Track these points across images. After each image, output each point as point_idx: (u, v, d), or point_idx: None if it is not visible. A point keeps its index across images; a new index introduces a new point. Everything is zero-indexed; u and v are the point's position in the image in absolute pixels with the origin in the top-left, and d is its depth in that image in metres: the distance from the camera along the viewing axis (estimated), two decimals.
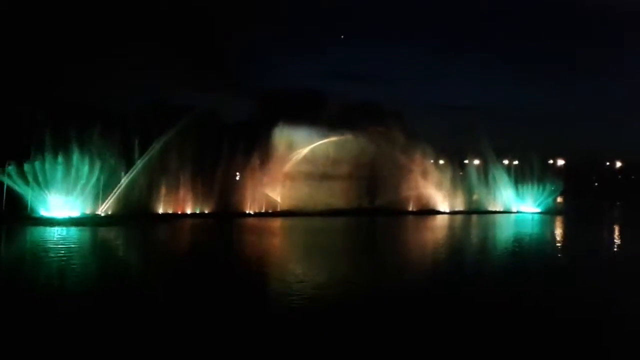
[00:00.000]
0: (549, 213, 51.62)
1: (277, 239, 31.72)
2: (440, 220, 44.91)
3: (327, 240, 29.94)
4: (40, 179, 33.92)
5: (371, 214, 45.38)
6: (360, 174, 50.21)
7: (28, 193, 33.73)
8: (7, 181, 33.04)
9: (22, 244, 25.22)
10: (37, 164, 33.70)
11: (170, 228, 33.64)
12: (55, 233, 27.23)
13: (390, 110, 58.17)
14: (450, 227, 41.03)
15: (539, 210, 53.19)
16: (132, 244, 27.14)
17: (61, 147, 34.63)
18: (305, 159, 48.44)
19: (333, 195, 46.92)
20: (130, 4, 59.79)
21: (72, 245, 23.80)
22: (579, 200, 54.03)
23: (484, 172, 54.49)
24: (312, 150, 48.89)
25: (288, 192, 46.09)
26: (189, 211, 40.15)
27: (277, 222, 38.89)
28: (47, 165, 34.08)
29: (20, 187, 33.46)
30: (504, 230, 39.25)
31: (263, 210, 43.25)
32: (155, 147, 38.99)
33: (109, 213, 35.97)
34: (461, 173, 54.23)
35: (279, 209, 44.07)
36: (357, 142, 48.80)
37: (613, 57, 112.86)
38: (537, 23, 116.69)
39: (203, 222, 37.23)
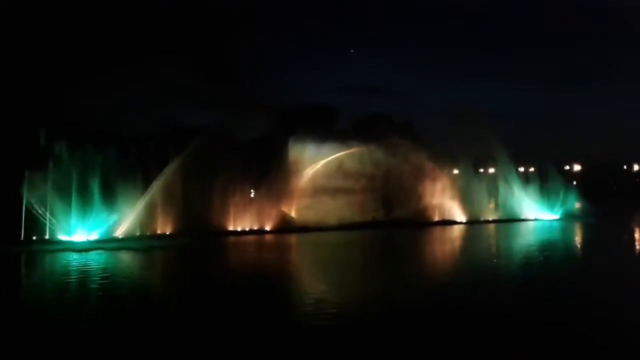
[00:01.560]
0: (568, 219, 50.85)
1: (304, 255, 31.44)
2: (458, 231, 44.35)
3: (353, 255, 29.83)
4: (58, 203, 34.29)
5: (387, 227, 44.99)
6: (374, 187, 50.04)
7: (46, 218, 34.06)
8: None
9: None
10: (52, 188, 34.09)
11: (197, 249, 33.21)
12: (88, 258, 27.09)
13: (401, 121, 58.19)
14: (471, 237, 40.37)
15: (557, 216, 52.47)
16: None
17: (77, 171, 35.02)
18: (319, 173, 48.44)
19: (348, 209, 46.76)
20: (141, 24, 60.40)
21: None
22: (598, 205, 53.02)
23: (500, 180, 53.90)
24: (325, 165, 48.88)
25: (302, 208, 46.04)
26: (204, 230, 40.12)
27: (295, 238, 38.60)
28: (63, 189, 34.46)
29: (38, 212, 33.77)
30: (527, 239, 38.28)
31: (278, 227, 43.02)
32: (169, 169, 39.16)
33: (123, 237, 35.99)
34: (476, 181, 53.60)
35: (294, 225, 43.87)
36: (370, 155, 48.68)
37: (629, 60, 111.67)
38: (551, 28, 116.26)
39: (224, 241, 36.93)
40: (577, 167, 73.73)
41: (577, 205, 54.71)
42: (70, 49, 51.41)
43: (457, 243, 37.51)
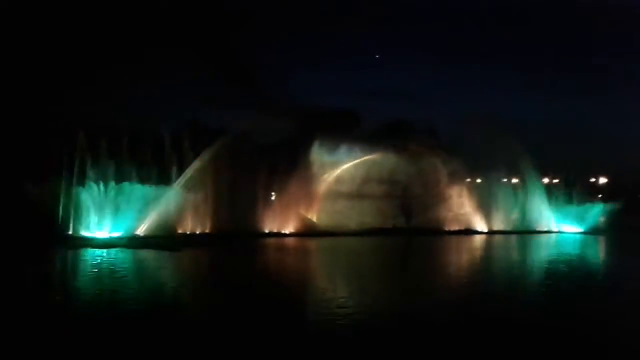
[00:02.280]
0: (592, 233, 49.79)
1: (328, 259, 31.30)
2: (479, 241, 43.72)
3: (375, 261, 29.69)
4: (81, 199, 34.73)
5: (408, 234, 44.59)
6: (395, 193, 49.79)
7: (69, 214, 34.54)
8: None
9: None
10: (77, 186, 34.59)
11: (222, 250, 33.17)
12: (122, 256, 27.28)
13: (425, 128, 57.82)
14: (492, 247, 39.89)
15: (581, 230, 51.42)
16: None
17: (99, 168, 35.47)
18: (340, 178, 48.28)
19: (368, 215, 46.51)
20: (163, 25, 61.10)
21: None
22: (624, 219, 51.83)
23: (523, 191, 53.07)
24: (346, 169, 48.70)
25: (323, 212, 45.92)
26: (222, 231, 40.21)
27: (316, 242, 38.35)
28: (87, 187, 34.92)
29: (61, 208, 34.28)
30: (550, 252, 37.57)
31: (298, 231, 42.90)
32: (191, 169, 39.36)
33: (147, 234, 36.28)
34: (499, 191, 52.80)
35: (315, 229, 43.72)
36: (392, 161, 48.32)
37: None
38: (574, 37, 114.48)
39: (244, 243, 36.91)
40: (603, 180, 72.29)
41: (602, 218, 53.53)
42: (89, 47, 52.20)
43: (479, 253, 36.97)
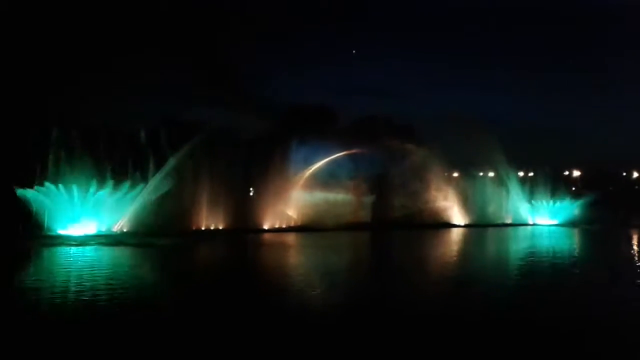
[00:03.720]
0: (566, 225, 50.85)
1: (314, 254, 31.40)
2: (457, 234, 44.32)
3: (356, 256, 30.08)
4: (57, 198, 34.41)
5: (385, 229, 44.94)
6: (373, 188, 50.16)
7: (44, 212, 34.18)
8: (32, 196, 33.39)
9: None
10: (50, 184, 34.23)
11: (199, 244, 33.31)
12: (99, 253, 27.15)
13: (401, 124, 58.26)
14: (471, 241, 40.33)
15: (555, 222, 52.48)
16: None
17: (76, 166, 35.19)
18: (318, 174, 48.48)
19: (346, 210, 46.82)
20: (140, 24, 60.53)
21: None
22: (597, 212, 52.95)
23: (499, 184, 53.99)
24: (323, 165, 48.93)
25: (302, 208, 46.10)
26: (203, 227, 40.23)
27: (294, 238, 38.45)
28: (61, 185, 34.58)
29: (38, 206, 33.92)
30: (526, 244, 38.14)
31: (278, 226, 43.07)
32: (168, 165, 39.16)
33: (124, 230, 36.12)
34: (476, 185, 53.65)
35: (293, 224, 43.92)
36: (369, 156, 48.67)
37: (629, 68, 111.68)
38: (550, 36, 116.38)
39: (228, 239, 36.91)
40: (576, 173, 73.76)
41: (576, 211, 54.70)
42: (67, 47, 51.57)
43: (458, 246, 37.46)
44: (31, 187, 33.91)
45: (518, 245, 37.82)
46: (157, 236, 32.62)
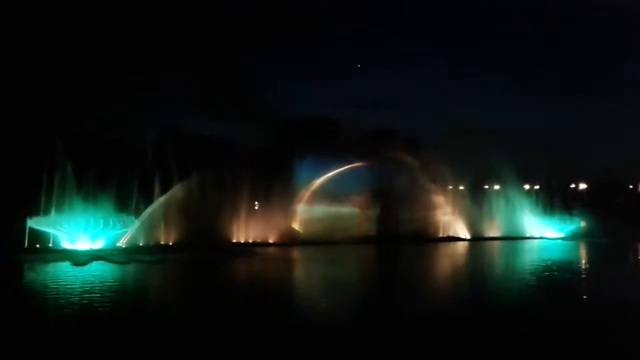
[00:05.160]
0: (573, 238, 50.43)
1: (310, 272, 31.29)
2: (462, 248, 44.02)
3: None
4: (63, 214, 34.39)
5: (391, 242, 44.65)
6: (378, 202, 50.02)
7: (50, 228, 34.21)
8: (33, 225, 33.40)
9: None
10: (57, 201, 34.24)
11: (202, 262, 33.01)
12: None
13: (406, 137, 58.28)
14: (478, 255, 39.88)
15: (562, 235, 52.09)
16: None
17: (81, 181, 35.16)
18: (323, 187, 48.43)
19: (352, 224, 46.69)
20: (145, 35, 61.04)
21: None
22: (604, 224, 52.47)
23: (505, 197, 53.67)
24: (329, 179, 48.89)
25: (307, 221, 45.96)
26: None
27: (303, 252, 38.22)
28: (68, 201, 34.57)
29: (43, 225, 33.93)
30: (540, 258, 37.68)
31: (283, 241, 42.86)
32: (176, 186, 39.24)
33: (126, 246, 35.99)
34: (481, 198, 53.36)
35: (299, 239, 43.72)
36: (374, 170, 48.61)
37: (631, 79, 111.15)
38: (554, 46, 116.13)
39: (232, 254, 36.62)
40: (582, 186, 73.41)
41: (583, 224, 54.27)
42: (71, 58, 52.02)
43: (464, 260, 37.18)
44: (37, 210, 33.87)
45: (532, 257, 37.41)
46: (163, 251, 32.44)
